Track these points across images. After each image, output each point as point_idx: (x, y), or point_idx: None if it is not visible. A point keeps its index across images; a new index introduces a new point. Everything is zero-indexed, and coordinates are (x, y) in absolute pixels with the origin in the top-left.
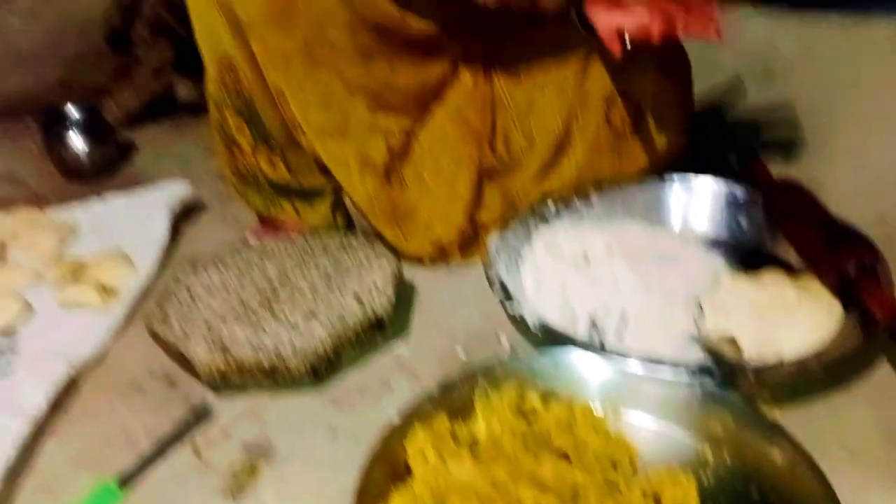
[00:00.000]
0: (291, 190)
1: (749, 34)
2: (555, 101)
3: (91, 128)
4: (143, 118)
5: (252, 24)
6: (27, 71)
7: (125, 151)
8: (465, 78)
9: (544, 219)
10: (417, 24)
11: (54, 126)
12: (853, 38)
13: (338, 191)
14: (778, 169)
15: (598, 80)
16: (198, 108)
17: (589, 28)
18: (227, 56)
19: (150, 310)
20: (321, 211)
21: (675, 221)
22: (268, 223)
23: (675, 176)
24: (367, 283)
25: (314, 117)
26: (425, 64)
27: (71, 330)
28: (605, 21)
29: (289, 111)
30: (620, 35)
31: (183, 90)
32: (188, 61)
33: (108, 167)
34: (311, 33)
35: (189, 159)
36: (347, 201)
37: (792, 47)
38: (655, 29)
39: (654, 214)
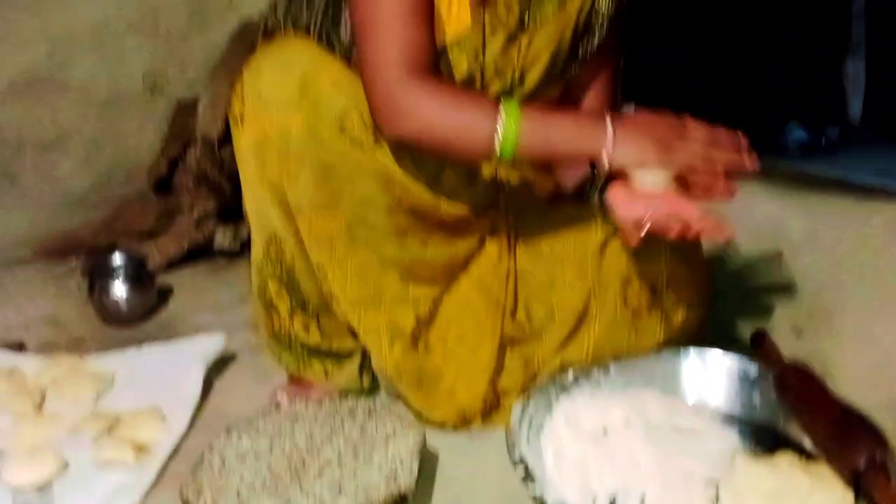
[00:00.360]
0: (322, 352)
1: (757, 213)
2: (574, 278)
3: (133, 276)
4: (182, 262)
5: (301, 209)
6: (75, 213)
7: (163, 297)
8: (491, 251)
9: (564, 389)
10: (449, 207)
11: (98, 273)
12: (858, 221)
13: (366, 353)
14: (788, 349)
15: (616, 260)
16: (234, 254)
17: (609, 212)
18: (274, 233)
19: (184, 480)
20: (349, 371)
21: (691, 394)
22: (297, 382)
23: (691, 349)
24: (391, 455)
25: (351, 290)
26: (455, 240)
27: (104, 489)
28: (624, 212)
29: (327, 284)
30: (638, 226)
31: (221, 238)
32: (229, 211)
33: (146, 313)
34: (354, 216)
35: (223, 305)
36: (374, 365)
37: (799, 227)
38: (673, 231)
39: (671, 386)
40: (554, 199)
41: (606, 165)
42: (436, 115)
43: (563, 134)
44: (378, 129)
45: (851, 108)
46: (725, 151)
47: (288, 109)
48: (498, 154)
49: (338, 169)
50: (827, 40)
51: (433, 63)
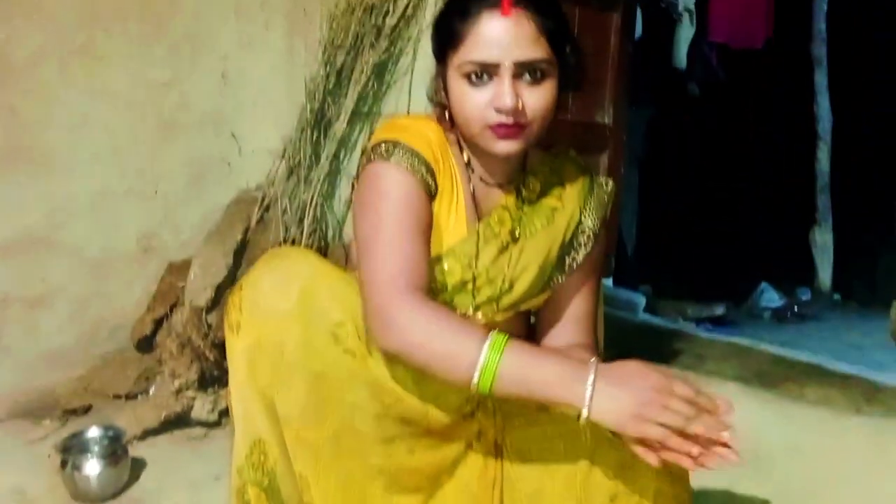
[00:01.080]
0: None
1: (737, 416)
2: (562, 489)
3: (106, 452)
4: (158, 431)
5: (289, 418)
6: (54, 370)
7: (135, 470)
8: (477, 456)
9: None
10: (437, 414)
11: (72, 447)
12: (836, 432)
13: None
14: None
15: (604, 475)
16: (212, 424)
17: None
18: (259, 437)
19: None
20: None
21: None
22: None
23: None
24: None
25: (333, 501)
26: (442, 446)
27: None
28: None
29: (308, 495)
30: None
31: (200, 409)
32: (209, 380)
33: (117, 490)
34: (341, 425)
35: (196, 483)
36: None
37: (778, 433)
38: (686, 463)
39: None
40: (542, 409)
41: (583, 420)
42: (422, 336)
43: (544, 379)
44: (371, 337)
45: (821, 275)
46: (705, 424)
47: (284, 321)
48: (476, 385)
49: (329, 377)
50: (794, 211)
51: (428, 282)
